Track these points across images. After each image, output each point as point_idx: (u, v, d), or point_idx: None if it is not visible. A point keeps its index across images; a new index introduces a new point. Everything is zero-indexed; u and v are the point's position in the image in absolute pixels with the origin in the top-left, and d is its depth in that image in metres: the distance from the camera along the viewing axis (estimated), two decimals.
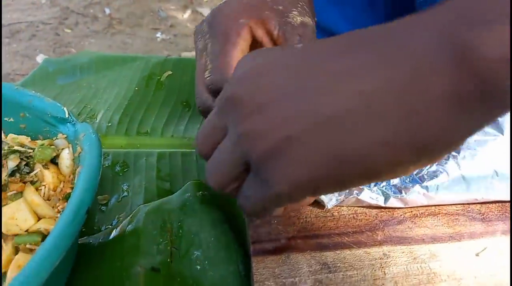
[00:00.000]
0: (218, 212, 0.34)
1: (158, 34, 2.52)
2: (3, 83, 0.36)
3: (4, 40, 2.32)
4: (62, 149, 0.34)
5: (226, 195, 0.24)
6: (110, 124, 0.45)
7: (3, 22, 2.53)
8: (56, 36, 2.37)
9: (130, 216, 0.34)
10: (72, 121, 0.34)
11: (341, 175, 0.19)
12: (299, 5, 0.33)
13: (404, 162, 0.18)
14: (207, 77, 0.30)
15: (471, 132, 0.18)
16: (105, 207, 0.37)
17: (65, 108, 0.34)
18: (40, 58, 2.08)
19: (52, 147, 0.34)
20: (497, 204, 0.31)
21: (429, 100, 0.17)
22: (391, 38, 0.18)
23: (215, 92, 0.30)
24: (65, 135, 0.34)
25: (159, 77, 0.51)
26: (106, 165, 0.41)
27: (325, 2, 0.50)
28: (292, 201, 0.21)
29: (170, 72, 0.52)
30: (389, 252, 0.28)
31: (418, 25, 0.18)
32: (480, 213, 0.31)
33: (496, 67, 0.16)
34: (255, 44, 0.32)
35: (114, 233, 0.33)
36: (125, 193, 0.38)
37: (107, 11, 2.64)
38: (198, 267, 0.31)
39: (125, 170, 0.40)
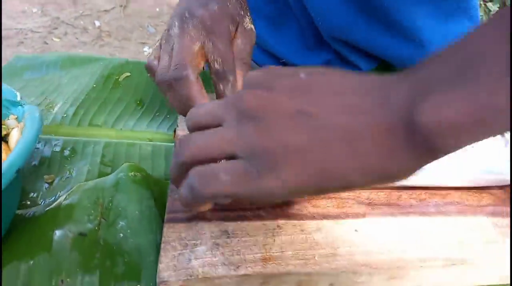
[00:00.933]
0: (147, 190, 0.38)
1: (146, 48, 2.58)
2: None
3: None
4: (12, 128, 0.38)
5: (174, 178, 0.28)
6: (65, 115, 0.50)
7: None
8: (44, 45, 2.42)
9: (68, 192, 0.38)
10: (23, 104, 0.38)
11: (324, 186, 0.24)
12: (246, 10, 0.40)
13: (371, 182, 0.24)
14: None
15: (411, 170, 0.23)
16: (49, 185, 0.41)
17: (17, 93, 0.39)
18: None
19: (4, 126, 0.38)
20: (385, 191, 0.37)
21: (385, 149, 0.23)
22: (371, 99, 0.24)
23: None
24: (16, 116, 0.38)
25: (117, 77, 0.56)
26: (56, 150, 0.45)
27: None
28: (276, 198, 0.25)
29: (128, 74, 0.57)
30: (282, 225, 0.33)
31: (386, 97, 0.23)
32: (367, 199, 0.36)
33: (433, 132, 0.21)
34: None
35: (51, 206, 0.37)
36: (69, 175, 0.43)
37: (97, 23, 2.70)
38: (121, 234, 0.35)
39: (72, 155, 0.45)
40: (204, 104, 0.30)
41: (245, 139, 0.25)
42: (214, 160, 0.27)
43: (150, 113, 0.52)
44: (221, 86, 0.39)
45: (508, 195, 0.37)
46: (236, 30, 0.40)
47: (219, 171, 0.26)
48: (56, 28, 2.63)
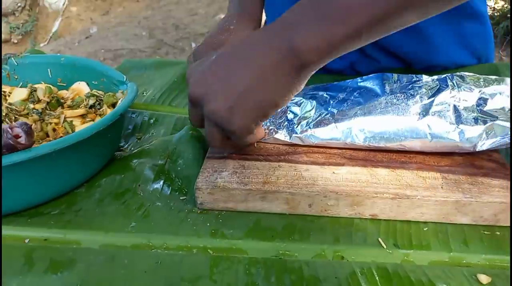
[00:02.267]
0: (199, 143, 0.56)
1: None
2: (98, 62, 0.63)
3: (107, 62, 2.82)
4: (120, 98, 0.59)
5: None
6: (153, 97, 0.70)
7: (110, 48, 3.07)
8: None
9: (150, 143, 0.57)
10: (127, 82, 0.58)
11: (260, 114, 0.41)
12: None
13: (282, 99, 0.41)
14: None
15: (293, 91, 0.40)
16: (138, 140, 0.61)
17: (124, 76, 0.59)
18: None
19: (114, 96, 0.59)
20: (366, 151, 0.49)
21: (282, 73, 0.38)
22: (260, 46, 0.39)
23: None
24: (122, 91, 0.59)
25: None
26: (145, 119, 0.65)
27: None
28: (240, 135, 0.41)
29: None
30: (282, 165, 0.48)
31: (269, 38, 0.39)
32: (350, 155, 0.49)
33: (306, 53, 0.37)
34: None
35: (137, 150, 0.57)
36: (151, 134, 0.62)
37: (193, 45, 3.07)
38: (179, 168, 0.53)
39: (155, 123, 0.64)
40: (189, 113, 0.46)
41: (210, 119, 0.42)
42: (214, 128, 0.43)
43: None
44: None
45: (466, 160, 0.48)
46: None
47: (212, 136, 0.43)
48: (159, 49, 3.05)
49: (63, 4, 4.55)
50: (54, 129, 0.55)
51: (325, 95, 0.53)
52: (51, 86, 0.61)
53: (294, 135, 0.50)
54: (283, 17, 0.39)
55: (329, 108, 0.51)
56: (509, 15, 2.78)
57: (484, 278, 0.37)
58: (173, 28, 3.34)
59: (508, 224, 0.43)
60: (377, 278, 0.38)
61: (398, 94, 0.49)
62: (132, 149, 0.59)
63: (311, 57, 0.37)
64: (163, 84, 0.74)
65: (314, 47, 0.36)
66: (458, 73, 0.50)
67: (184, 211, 0.46)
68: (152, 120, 0.65)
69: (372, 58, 0.71)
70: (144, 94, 0.71)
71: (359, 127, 0.49)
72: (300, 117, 0.51)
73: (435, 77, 0.51)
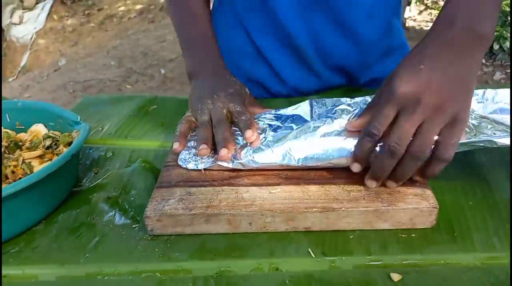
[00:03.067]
0: (151, 174, 0.60)
1: None
2: (53, 104, 0.67)
3: (77, 94, 2.84)
4: (75, 137, 0.63)
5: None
6: (110, 132, 0.74)
7: (80, 79, 3.10)
8: (119, 91, 2.86)
9: (105, 176, 0.62)
10: (81, 122, 0.63)
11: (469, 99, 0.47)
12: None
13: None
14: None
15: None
16: (95, 174, 0.65)
17: (78, 116, 0.64)
18: None
19: (70, 136, 0.63)
20: (299, 171, 0.55)
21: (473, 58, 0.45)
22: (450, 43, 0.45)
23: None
24: (77, 130, 0.63)
25: (147, 108, 0.81)
26: (102, 154, 0.69)
27: None
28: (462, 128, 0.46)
29: (155, 106, 0.81)
30: (224, 189, 0.53)
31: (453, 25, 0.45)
32: (286, 174, 0.54)
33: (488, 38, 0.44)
34: None
35: (93, 184, 0.61)
36: (108, 167, 0.66)
37: (162, 71, 3.13)
38: (132, 198, 0.57)
39: (112, 157, 0.68)
40: (374, 118, 0.48)
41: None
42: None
43: (168, 130, 0.75)
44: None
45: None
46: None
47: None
48: (129, 77, 3.09)
49: (31, 38, 4.55)
50: (13, 172, 0.59)
51: (262, 125, 0.58)
52: (8, 131, 0.64)
53: (236, 161, 0.55)
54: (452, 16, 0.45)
55: (266, 135, 0.56)
56: None
57: (396, 277, 0.42)
58: (142, 56, 3.40)
59: (424, 227, 0.49)
60: (302, 284, 0.42)
61: (323, 118, 0.55)
62: (89, 183, 0.62)
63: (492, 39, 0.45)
64: (119, 119, 0.78)
65: (493, 31, 0.45)
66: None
67: (135, 239, 0.50)
68: (109, 154, 0.69)
69: (315, 74, 0.77)
70: (101, 129, 0.75)
71: (292, 150, 0.54)
72: (241, 145, 0.57)
73: (357, 99, 0.57)
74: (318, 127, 0.55)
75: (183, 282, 0.44)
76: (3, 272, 0.46)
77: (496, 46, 2.82)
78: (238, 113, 0.59)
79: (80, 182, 0.63)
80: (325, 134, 0.54)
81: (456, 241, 0.47)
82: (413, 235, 0.48)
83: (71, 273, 0.46)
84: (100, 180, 0.61)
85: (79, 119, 0.63)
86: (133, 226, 0.52)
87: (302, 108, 0.59)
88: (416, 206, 0.48)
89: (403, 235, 0.48)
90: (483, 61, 2.88)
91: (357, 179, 0.53)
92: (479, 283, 0.42)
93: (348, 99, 0.57)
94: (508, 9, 2.86)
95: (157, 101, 0.83)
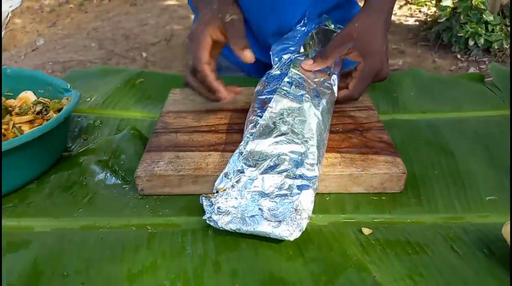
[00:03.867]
0: (139, 141, 0.63)
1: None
2: (42, 72, 0.69)
3: (57, 74, 2.80)
4: (65, 104, 0.65)
5: None
6: (97, 103, 0.76)
7: (59, 60, 3.05)
8: None
9: (94, 142, 0.64)
10: (71, 89, 0.65)
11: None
12: (230, 8, 0.63)
13: None
14: (189, 63, 0.60)
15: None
16: (84, 140, 0.67)
17: (68, 84, 0.66)
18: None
19: (60, 103, 0.65)
20: None
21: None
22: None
23: (192, 72, 0.60)
24: (67, 97, 0.65)
25: (134, 81, 0.83)
26: (90, 122, 0.71)
27: None
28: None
29: (141, 79, 0.84)
30: (212, 153, 0.56)
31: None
32: None
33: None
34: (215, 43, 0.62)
35: (83, 149, 0.63)
36: (97, 135, 0.68)
37: (144, 54, 3.10)
38: (122, 162, 0.59)
39: (100, 125, 0.71)
40: (336, 48, 0.64)
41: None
42: None
43: (154, 103, 0.77)
44: (199, 76, 0.60)
45: (361, 142, 0.58)
46: (223, 27, 0.61)
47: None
48: (110, 59, 3.05)
49: (7, 17, 4.41)
50: (4, 135, 0.60)
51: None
52: None
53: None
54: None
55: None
56: (439, 20, 3.03)
57: (366, 230, 0.47)
58: (123, 38, 3.36)
59: (393, 191, 0.54)
60: None
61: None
62: (79, 148, 0.65)
63: None
64: (107, 90, 0.80)
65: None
66: None
67: (126, 197, 0.53)
68: (97, 123, 0.71)
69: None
70: (89, 100, 0.77)
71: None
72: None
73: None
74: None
75: (173, 234, 0.47)
76: None
77: (471, 43, 2.92)
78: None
79: (70, 147, 0.65)
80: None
81: (422, 204, 0.52)
82: (383, 198, 0.53)
83: (66, 225, 0.48)
84: (89, 145, 0.63)
85: (69, 87, 0.65)
86: (124, 186, 0.55)
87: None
88: (386, 171, 0.53)
89: (374, 198, 0.53)
90: (458, 56, 2.98)
91: (335, 147, 0.57)
92: (440, 237, 0.47)
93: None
94: (482, 6, 2.96)
95: (144, 75, 0.86)
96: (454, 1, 3.09)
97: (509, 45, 2.96)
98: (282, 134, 0.52)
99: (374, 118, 0.64)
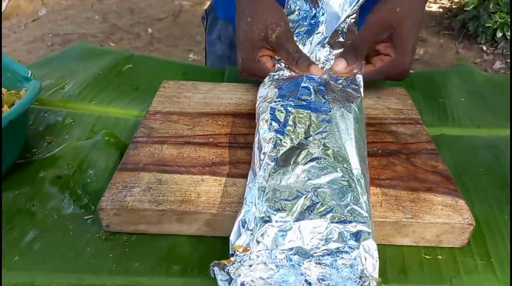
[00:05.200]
0: (115, 151, 0.48)
1: (191, 55, 2.75)
2: (4, 54, 0.54)
3: (56, 47, 2.64)
4: (22, 97, 0.50)
5: None
6: (72, 94, 0.61)
7: (60, 32, 2.88)
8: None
9: (59, 148, 0.49)
10: (31, 79, 0.50)
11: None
12: (269, 21, 0.52)
13: None
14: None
15: None
16: (48, 144, 0.52)
17: (29, 71, 0.51)
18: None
19: (17, 94, 0.50)
20: None
21: None
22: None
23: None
24: (26, 88, 0.50)
25: (121, 67, 0.68)
26: (59, 119, 0.57)
27: None
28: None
29: (130, 65, 0.68)
30: (206, 179, 0.41)
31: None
32: None
33: None
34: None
35: (43, 157, 0.49)
36: (65, 137, 0.54)
37: (150, 30, 2.92)
38: (88, 180, 0.45)
39: (72, 124, 0.56)
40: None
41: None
42: None
43: (142, 97, 0.62)
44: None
45: (408, 172, 0.43)
46: (270, 46, 0.53)
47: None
48: (113, 34, 2.88)
49: None
50: None
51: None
52: None
53: None
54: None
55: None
56: (465, 8, 2.82)
57: None
58: (128, 12, 3.17)
59: (451, 246, 0.39)
60: None
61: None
62: (39, 155, 0.50)
63: None
64: (86, 78, 0.65)
65: None
66: None
67: (85, 236, 0.39)
68: (68, 120, 0.56)
69: None
70: (62, 89, 0.62)
71: None
72: None
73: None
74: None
75: None
76: None
77: (499, 34, 2.72)
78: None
79: (29, 152, 0.51)
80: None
81: (493, 269, 0.37)
82: (439, 257, 0.38)
83: None
84: (53, 152, 0.49)
85: (30, 75, 0.51)
86: (85, 217, 0.41)
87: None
88: (446, 221, 0.38)
89: (426, 256, 0.38)
90: (484, 48, 2.78)
91: (372, 178, 0.42)
92: None
93: None
94: None
95: (134, 60, 0.70)
96: None
97: None
98: (314, 159, 0.37)
99: (423, 137, 0.49)
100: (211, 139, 0.47)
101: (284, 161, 0.37)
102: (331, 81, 0.49)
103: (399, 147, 0.47)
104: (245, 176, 0.42)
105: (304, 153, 0.37)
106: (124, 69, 0.68)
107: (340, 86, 0.49)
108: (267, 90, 0.48)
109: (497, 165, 0.50)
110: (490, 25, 2.74)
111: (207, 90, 0.57)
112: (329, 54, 0.55)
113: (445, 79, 0.68)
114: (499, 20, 2.72)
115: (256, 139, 0.42)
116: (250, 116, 0.51)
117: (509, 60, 2.72)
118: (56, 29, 2.91)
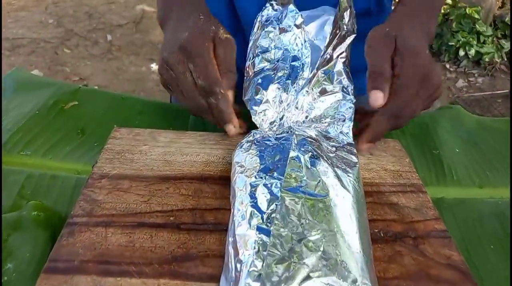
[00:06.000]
0: (46, 231, 0.37)
1: (153, 65, 2.61)
2: None
3: (4, 52, 2.42)
4: None
5: None
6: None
7: (8, 36, 2.66)
8: (54, 55, 2.48)
9: None
10: None
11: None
12: (221, 26, 0.46)
13: None
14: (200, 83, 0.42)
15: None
16: None
17: None
18: (34, 73, 2.16)
19: None
20: None
21: None
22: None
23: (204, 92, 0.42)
24: None
25: (63, 105, 0.56)
26: None
27: None
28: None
29: (76, 102, 0.57)
30: (163, 284, 0.31)
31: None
32: None
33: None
34: None
35: None
36: None
37: (109, 37, 2.76)
38: (5, 277, 0.34)
39: None
40: None
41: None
42: None
43: (88, 143, 0.51)
44: (212, 100, 0.42)
45: (419, 267, 0.35)
46: (214, 44, 0.44)
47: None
48: (68, 40, 2.69)
49: None
50: None
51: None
52: None
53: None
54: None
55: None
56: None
57: None
58: (86, 17, 2.99)
59: None
60: None
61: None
62: None
63: None
64: (19, 118, 0.53)
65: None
66: None
67: None
68: None
69: None
70: None
71: None
72: None
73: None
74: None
75: None
76: None
77: (461, 53, 2.77)
78: (198, 74, 0.43)
79: None
80: None
81: None
82: None
83: None
84: None
85: None
86: None
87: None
88: None
89: None
90: (447, 66, 2.83)
91: (378, 276, 0.33)
92: None
93: None
94: (476, 15, 2.81)
95: (80, 94, 0.59)
96: (445, 7, 2.93)
97: (500, 59, 2.82)
98: (311, 276, 0.28)
99: (430, 212, 0.41)
100: (171, 218, 0.37)
101: (273, 281, 0.27)
102: (323, 143, 0.40)
103: (404, 228, 0.38)
104: (216, 279, 0.32)
105: (298, 266, 0.28)
106: (67, 107, 0.56)
107: (334, 148, 0.41)
108: (245, 155, 0.39)
109: (506, 239, 0.44)
110: (453, 43, 2.79)
111: (168, 142, 0.47)
112: (313, 100, 0.47)
113: (436, 124, 0.61)
114: (462, 39, 2.77)
115: (230, 231, 0.32)
116: (221, 181, 0.42)
117: (471, 79, 2.78)
118: (4, 33, 2.68)
